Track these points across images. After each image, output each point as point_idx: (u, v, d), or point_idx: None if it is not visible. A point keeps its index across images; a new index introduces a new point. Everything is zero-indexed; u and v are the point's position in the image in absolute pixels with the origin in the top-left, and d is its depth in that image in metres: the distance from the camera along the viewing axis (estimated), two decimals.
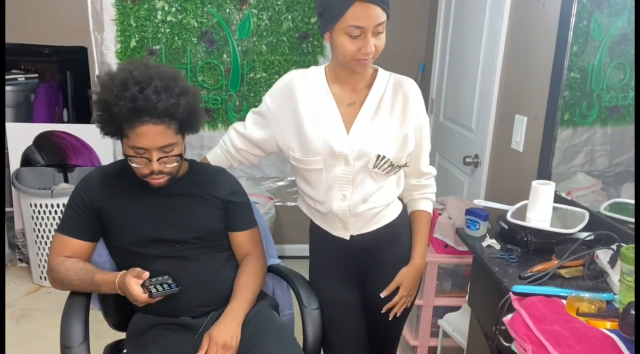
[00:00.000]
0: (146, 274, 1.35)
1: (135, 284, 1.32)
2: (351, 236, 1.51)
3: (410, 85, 1.46)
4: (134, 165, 1.38)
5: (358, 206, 1.46)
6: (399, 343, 1.73)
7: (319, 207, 1.50)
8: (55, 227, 2.96)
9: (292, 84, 1.46)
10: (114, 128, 1.37)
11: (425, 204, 1.59)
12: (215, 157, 1.64)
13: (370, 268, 1.56)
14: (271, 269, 1.68)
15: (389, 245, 1.55)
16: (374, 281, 1.56)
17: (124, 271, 1.37)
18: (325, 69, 1.48)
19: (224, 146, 1.62)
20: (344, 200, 1.46)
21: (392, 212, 1.55)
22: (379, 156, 1.41)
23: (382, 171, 1.44)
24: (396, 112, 1.44)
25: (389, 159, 1.42)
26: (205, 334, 1.38)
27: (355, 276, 1.57)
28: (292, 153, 1.47)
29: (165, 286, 1.36)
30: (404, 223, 1.59)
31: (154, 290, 1.33)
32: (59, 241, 1.47)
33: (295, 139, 1.46)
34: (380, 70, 1.48)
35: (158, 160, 1.37)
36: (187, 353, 1.38)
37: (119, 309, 1.57)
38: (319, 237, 1.58)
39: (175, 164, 1.41)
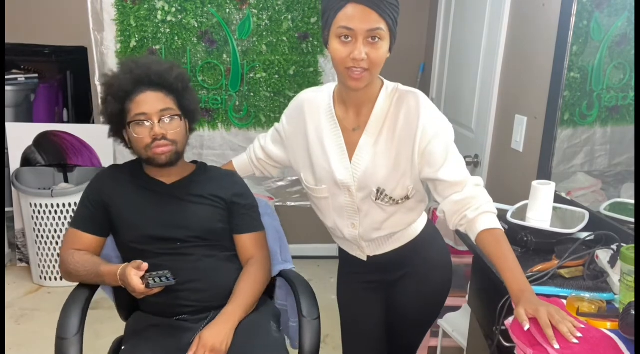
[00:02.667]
0: (145, 265, 1.37)
1: (135, 275, 1.34)
2: (368, 257, 1.49)
3: (414, 102, 1.28)
4: (136, 135, 1.45)
5: (371, 233, 1.42)
6: (417, 350, 1.69)
7: (333, 232, 1.50)
8: (55, 227, 2.98)
9: (303, 105, 1.41)
10: (118, 105, 1.46)
11: (486, 220, 1.26)
12: (240, 162, 1.65)
13: (396, 279, 1.51)
14: (282, 274, 1.67)
15: (413, 258, 1.48)
16: (400, 290, 1.52)
17: (126, 263, 1.40)
18: (334, 90, 1.39)
19: (249, 153, 1.63)
20: (354, 228, 1.43)
21: (412, 232, 1.47)
22: (379, 189, 1.34)
23: (386, 203, 1.36)
24: (398, 135, 1.30)
25: (388, 194, 1.34)
26: (197, 336, 1.38)
27: (381, 285, 1.54)
28: (305, 177, 1.43)
29: (164, 278, 1.38)
30: (429, 234, 1.51)
31: (151, 281, 1.35)
32: (70, 235, 1.52)
33: (306, 164, 1.42)
34: (386, 85, 1.34)
35: (159, 122, 1.44)
36: None
37: (131, 303, 1.58)
38: (341, 251, 1.57)
39: (178, 129, 1.48)
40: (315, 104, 1.39)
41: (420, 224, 1.49)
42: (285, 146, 1.48)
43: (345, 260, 1.57)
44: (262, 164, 1.60)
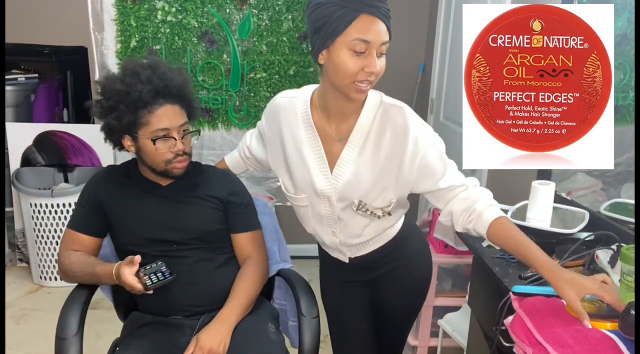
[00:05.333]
0: (137, 258, 1.36)
1: (129, 274, 1.34)
2: (350, 259, 1.49)
3: (400, 117, 1.26)
4: (159, 151, 1.42)
5: (351, 240, 1.43)
6: (405, 344, 1.71)
7: (314, 237, 1.50)
8: (55, 227, 2.97)
9: (278, 112, 1.37)
10: (132, 116, 1.40)
11: (491, 212, 1.27)
12: (232, 159, 1.63)
13: (378, 275, 1.52)
14: (280, 274, 1.67)
15: (393, 254, 1.48)
16: (384, 286, 1.53)
17: (120, 262, 1.39)
18: (313, 95, 1.34)
19: (239, 149, 1.62)
20: (334, 236, 1.43)
21: (391, 232, 1.46)
22: (360, 201, 1.33)
23: (368, 213, 1.36)
24: (385, 150, 1.28)
25: (369, 208, 1.35)
26: (193, 337, 1.38)
27: (365, 283, 1.54)
28: (283, 183, 1.43)
29: (160, 275, 1.37)
30: (408, 228, 1.51)
31: (148, 282, 1.35)
32: (67, 235, 1.53)
33: (283, 170, 1.41)
34: (370, 95, 1.29)
35: (182, 138, 1.44)
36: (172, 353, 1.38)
37: (129, 302, 1.58)
38: (321, 252, 1.57)
39: (193, 144, 1.50)
40: (291, 111, 1.35)
41: (399, 223, 1.48)
42: (266, 146, 1.46)
43: (327, 261, 1.56)
44: (252, 162, 1.59)
